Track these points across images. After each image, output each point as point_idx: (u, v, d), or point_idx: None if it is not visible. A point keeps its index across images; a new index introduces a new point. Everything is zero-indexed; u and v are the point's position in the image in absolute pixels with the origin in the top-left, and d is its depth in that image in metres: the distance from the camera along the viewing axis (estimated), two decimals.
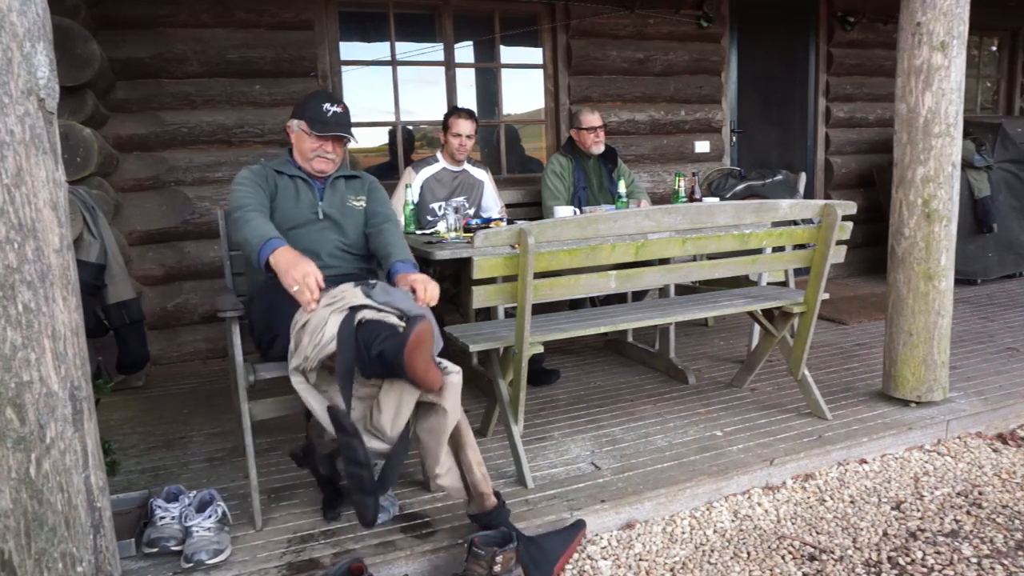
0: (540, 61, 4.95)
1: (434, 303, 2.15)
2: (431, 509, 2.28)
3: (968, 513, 2.33)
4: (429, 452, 1.99)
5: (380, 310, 1.96)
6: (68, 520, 1.56)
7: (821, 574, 2.02)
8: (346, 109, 2.49)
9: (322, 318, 1.93)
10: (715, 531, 2.26)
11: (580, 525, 2.16)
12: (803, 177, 4.56)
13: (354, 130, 2.53)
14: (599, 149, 4.05)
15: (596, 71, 4.94)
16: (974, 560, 2.06)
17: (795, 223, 3.15)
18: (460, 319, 3.65)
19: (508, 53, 4.91)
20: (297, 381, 1.97)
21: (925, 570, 2.03)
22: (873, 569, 2.04)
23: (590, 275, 2.53)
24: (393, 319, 1.94)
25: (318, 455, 2.22)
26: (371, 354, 1.81)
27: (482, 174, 4.00)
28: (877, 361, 3.43)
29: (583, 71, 4.91)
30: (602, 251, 2.46)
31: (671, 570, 2.06)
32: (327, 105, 2.43)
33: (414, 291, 2.14)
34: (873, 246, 5.77)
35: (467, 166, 3.93)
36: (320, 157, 2.45)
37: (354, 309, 1.92)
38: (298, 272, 2.00)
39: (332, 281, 2.31)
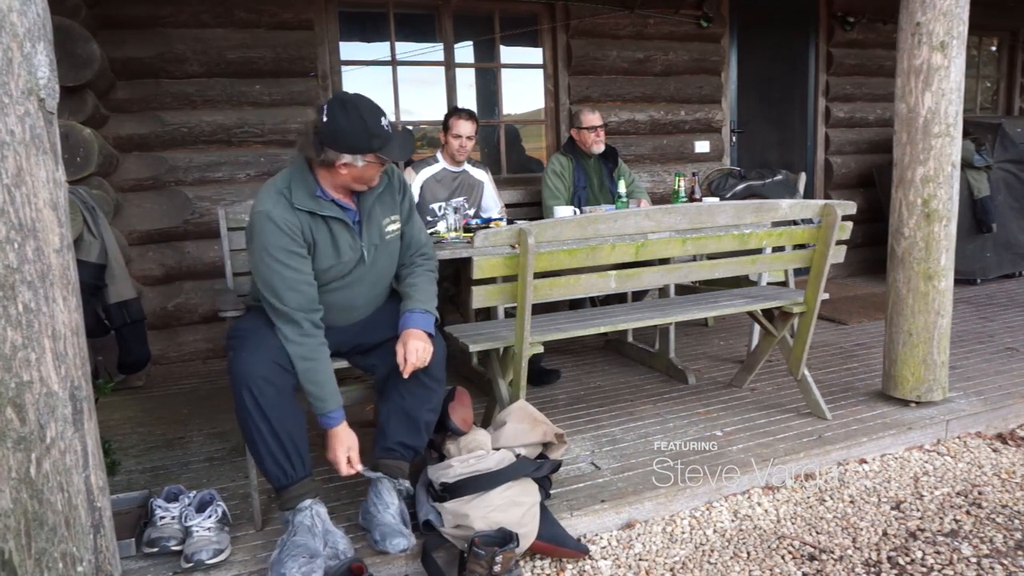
0: (540, 61, 4.95)
1: (419, 366, 2.09)
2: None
3: (968, 513, 2.33)
4: None
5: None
6: (68, 520, 1.56)
7: (821, 574, 2.02)
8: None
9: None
10: (715, 531, 2.26)
11: (583, 549, 2.14)
12: (803, 177, 4.56)
13: None
14: (599, 148, 4.05)
15: (596, 71, 4.94)
16: (974, 560, 2.06)
17: (795, 223, 3.15)
18: (460, 319, 3.65)
19: (508, 53, 4.91)
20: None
21: (925, 570, 2.03)
22: (873, 569, 2.04)
23: (590, 275, 2.53)
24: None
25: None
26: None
27: (482, 174, 4.00)
28: (877, 361, 3.43)
29: (583, 71, 4.91)
30: (602, 251, 2.46)
31: (671, 570, 2.06)
32: (383, 120, 2.00)
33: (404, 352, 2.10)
34: (873, 246, 5.77)
35: (467, 166, 3.93)
36: (375, 177, 2.11)
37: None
38: (343, 449, 2.08)
39: (357, 328, 2.26)
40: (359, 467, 2.10)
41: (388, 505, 2.08)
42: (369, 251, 2.15)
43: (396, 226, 2.23)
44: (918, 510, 2.35)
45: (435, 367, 2.16)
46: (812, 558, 2.10)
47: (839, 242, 2.75)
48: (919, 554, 2.10)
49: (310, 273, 2.04)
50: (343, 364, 2.28)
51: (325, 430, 2.10)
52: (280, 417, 2.00)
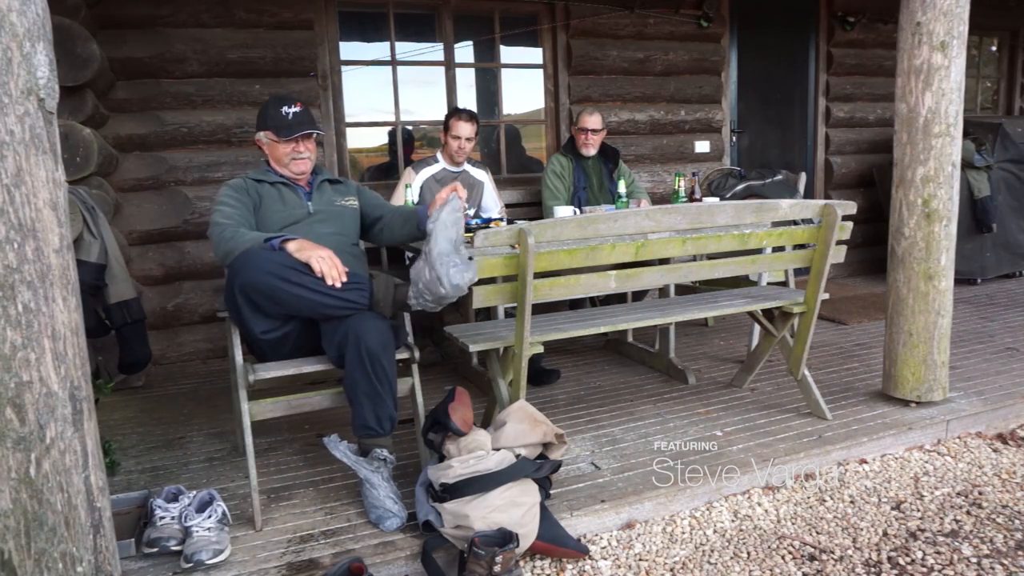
0: (540, 61, 4.95)
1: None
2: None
3: (968, 513, 2.33)
4: None
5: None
6: (68, 520, 1.56)
7: (821, 574, 2.02)
8: (304, 107, 2.56)
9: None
10: (715, 531, 2.26)
11: (583, 549, 2.14)
12: (803, 177, 4.56)
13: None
14: (588, 152, 4.07)
15: (596, 71, 4.94)
16: (974, 560, 2.06)
17: (795, 223, 3.15)
18: (460, 319, 3.65)
19: (508, 53, 4.91)
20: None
21: (925, 570, 2.03)
22: (873, 569, 2.04)
23: (590, 275, 2.53)
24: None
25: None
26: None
27: (482, 174, 4.00)
28: (877, 361, 3.43)
29: (583, 71, 4.91)
30: (602, 251, 2.46)
31: (671, 570, 2.06)
32: (285, 108, 2.51)
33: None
34: (873, 246, 5.77)
35: (467, 166, 3.93)
36: (296, 159, 2.53)
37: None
38: (322, 251, 2.14)
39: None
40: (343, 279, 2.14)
41: (375, 486, 2.19)
42: (316, 210, 2.55)
43: (351, 202, 2.65)
44: (918, 510, 2.35)
45: (385, 352, 2.21)
46: (812, 558, 2.10)
47: (839, 242, 2.75)
48: (919, 554, 2.10)
49: (247, 214, 2.42)
50: (324, 367, 2.30)
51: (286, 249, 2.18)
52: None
